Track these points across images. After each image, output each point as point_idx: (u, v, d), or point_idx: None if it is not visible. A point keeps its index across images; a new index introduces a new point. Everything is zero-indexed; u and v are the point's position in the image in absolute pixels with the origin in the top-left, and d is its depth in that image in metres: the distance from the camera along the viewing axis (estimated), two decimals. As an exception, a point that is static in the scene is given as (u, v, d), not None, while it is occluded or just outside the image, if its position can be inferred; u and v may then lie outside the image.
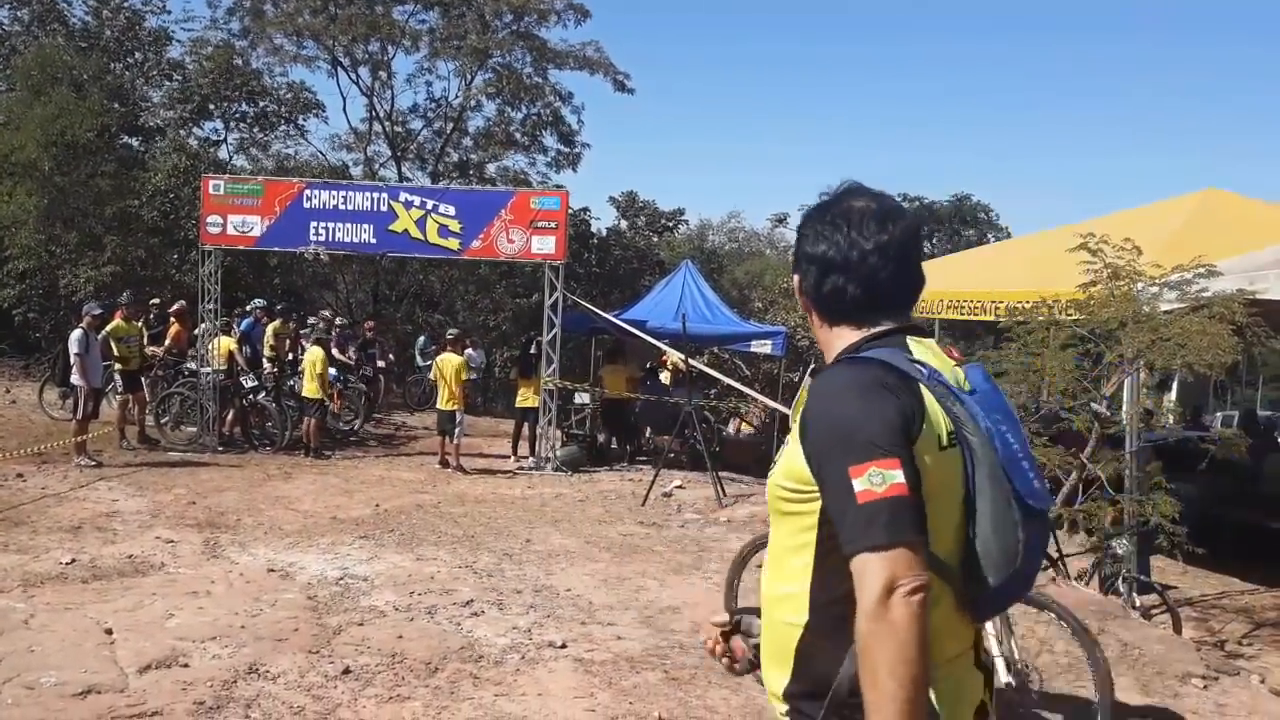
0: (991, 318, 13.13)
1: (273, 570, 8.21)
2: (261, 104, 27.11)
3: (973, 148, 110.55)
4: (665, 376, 17.23)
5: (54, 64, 21.80)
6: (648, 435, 16.65)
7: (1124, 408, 9.64)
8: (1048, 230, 15.57)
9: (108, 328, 14.29)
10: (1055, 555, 9.78)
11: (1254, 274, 9.41)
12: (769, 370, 17.28)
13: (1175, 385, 24.33)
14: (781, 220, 30.57)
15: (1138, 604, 8.88)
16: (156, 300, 17.23)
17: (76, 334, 12.75)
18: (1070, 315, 9.99)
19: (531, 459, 14.68)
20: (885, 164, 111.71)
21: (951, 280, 15.45)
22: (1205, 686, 6.33)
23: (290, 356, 15.20)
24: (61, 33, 24.51)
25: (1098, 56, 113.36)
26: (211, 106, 26.19)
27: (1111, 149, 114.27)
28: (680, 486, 12.73)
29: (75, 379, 12.65)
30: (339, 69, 27.61)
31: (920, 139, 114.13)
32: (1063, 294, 10.17)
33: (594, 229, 31.23)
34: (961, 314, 14.28)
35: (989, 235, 60.51)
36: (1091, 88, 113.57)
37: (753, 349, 15.81)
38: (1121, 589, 9.08)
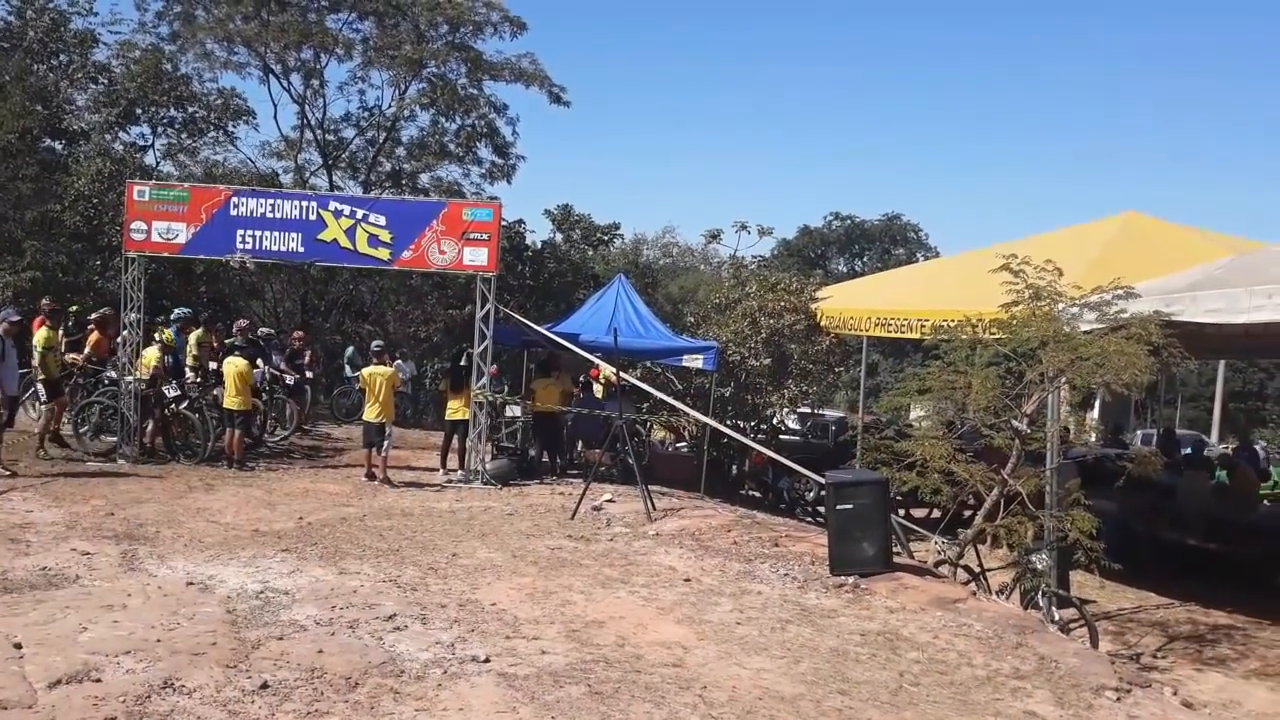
0: (918, 336, 13.37)
1: (192, 583, 8.04)
2: (190, 110, 26.55)
3: (904, 168, 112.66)
4: (597, 390, 17.22)
5: (-26, 64, 21.26)
6: (579, 449, 16.61)
7: (1046, 425, 9.84)
8: (974, 251, 15.87)
9: (38, 340, 13.91)
10: (977, 570, 9.97)
11: (1170, 296, 9.71)
12: (700, 384, 17.32)
13: (1097, 404, 24.93)
14: (715, 236, 30.72)
15: (1057, 618, 9.07)
16: (75, 307, 16.79)
17: (-9, 340, 12.40)
18: (994, 334, 10.20)
19: (460, 472, 14.57)
20: (818, 182, 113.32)
21: (880, 298, 15.71)
22: (1119, 699, 6.48)
23: (214, 366, 14.91)
24: (-18, 33, 23.88)
25: (1030, 83, 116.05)
26: (139, 111, 25.62)
27: (1040, 170, 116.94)
28: (610, 500, 12.71)
29: (-11, 386, 12.30)
30: (271, 76, 27.29)
31: (852, 158, 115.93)
32: (987, 314, 10.38)
33: (529, 241, 31.16)
34: (889, 331, 14.51)
35: (918, 254, 61.58)
36: (1024, 112, 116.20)
37: (685, 363, 15.85)
38: (1041, 603, 9.27)
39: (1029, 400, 9.76)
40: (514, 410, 17.13)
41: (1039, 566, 9.34)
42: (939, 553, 10.32)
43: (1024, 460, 9.79)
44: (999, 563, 10.30)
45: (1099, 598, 11.17)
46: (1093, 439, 16.17)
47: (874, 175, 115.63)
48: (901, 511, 12.73)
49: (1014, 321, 9.81)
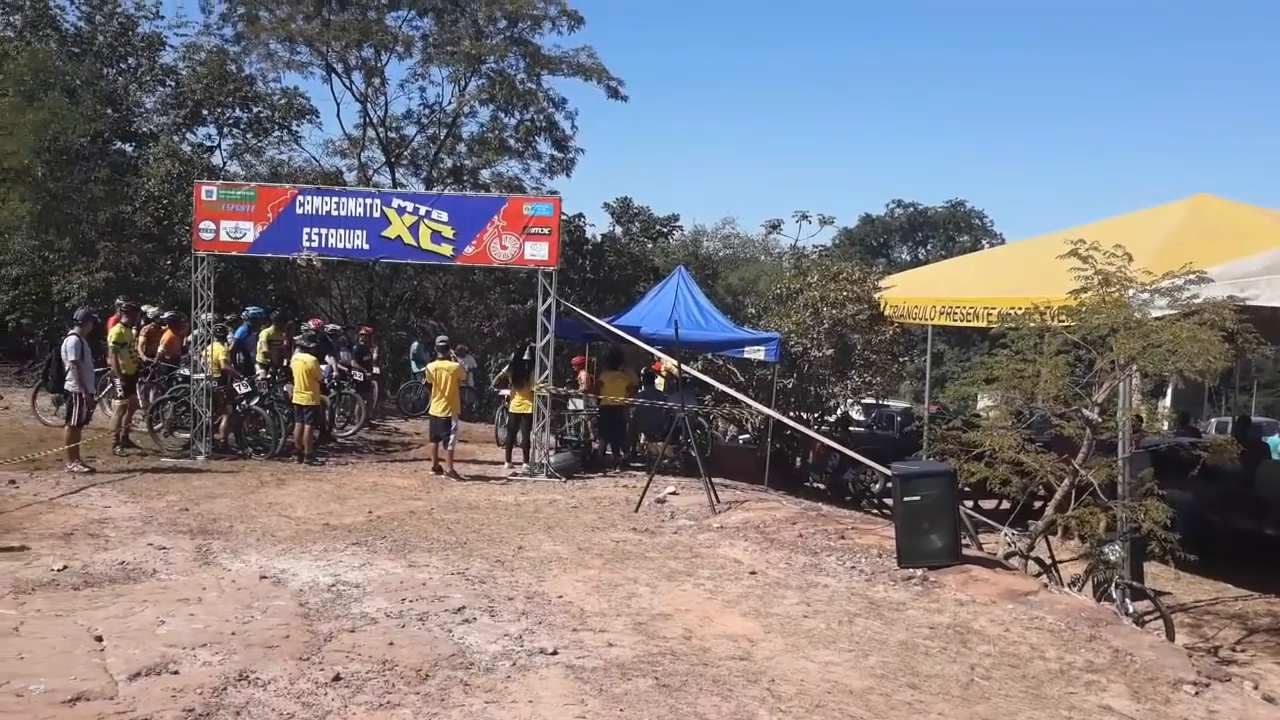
0: (985, 324, 13.18)
1: (265, 577, 8.19)
2: (255, 110, 27.05)
3: (968, 154, 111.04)
4: (659, 383, 17.22)
5: (46, 69, 21.80)
6: (641, 441, 16.63)
7: (1117, 414, 9.65)
8: (1041, 236, 15.60)
9: (112, 336, 14.27)
10: (1048, 561, 9.81)
11: (1244, 280, 9.46)
12: (763, 376, 17.24)
13: (1169, 391, 24.39)
14: (775, 227, 30.42)
15: (1131, 610, 8.90)
16: (149, 307, 17.19)
17: (71, 340, 12.72)
18: (1062, 322, 10.02)
19: (525, 465, 14.66)
20: (880, 170, 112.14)
21: (945, 286, 15.51)
22: (1197, 693, 6.34)
23: (284, 363, 15.16)
24: (54, 38, 24.48)
25: (1093, 63, 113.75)
26: (205, 112, 26.15)
27: (1106, 154, 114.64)
28: (674, 493, 12.72)
29: (70, 385, 12.63)
30: (333, 75, 27.67)
31: (916, 145, 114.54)
32: (1055, 300, 10.21)
33: (588, 235, 31.26)
34: (955, 320, 14.33)
35: (983, 241, 60.70)
36: (1087, 93, 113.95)
37: (746, 355, 15.79)
38: (1114, 595, 9.10)
39: (1099, 388, 9.58)
40: (577, 403, 17.21)
41: (1112, 558, 9.18)
42: (1009, 544, 10.17)
43: (1095, 450, 9.62)
44: (1070, 554, 10.13)
45: (1174, 589, 10.93)
46: (1165, 427, 15.80)
47: (937, 162, 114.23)
48: (969, 503, 12.57)
49: (1083, 308, 9.63)
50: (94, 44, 25.00)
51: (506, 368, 18.14)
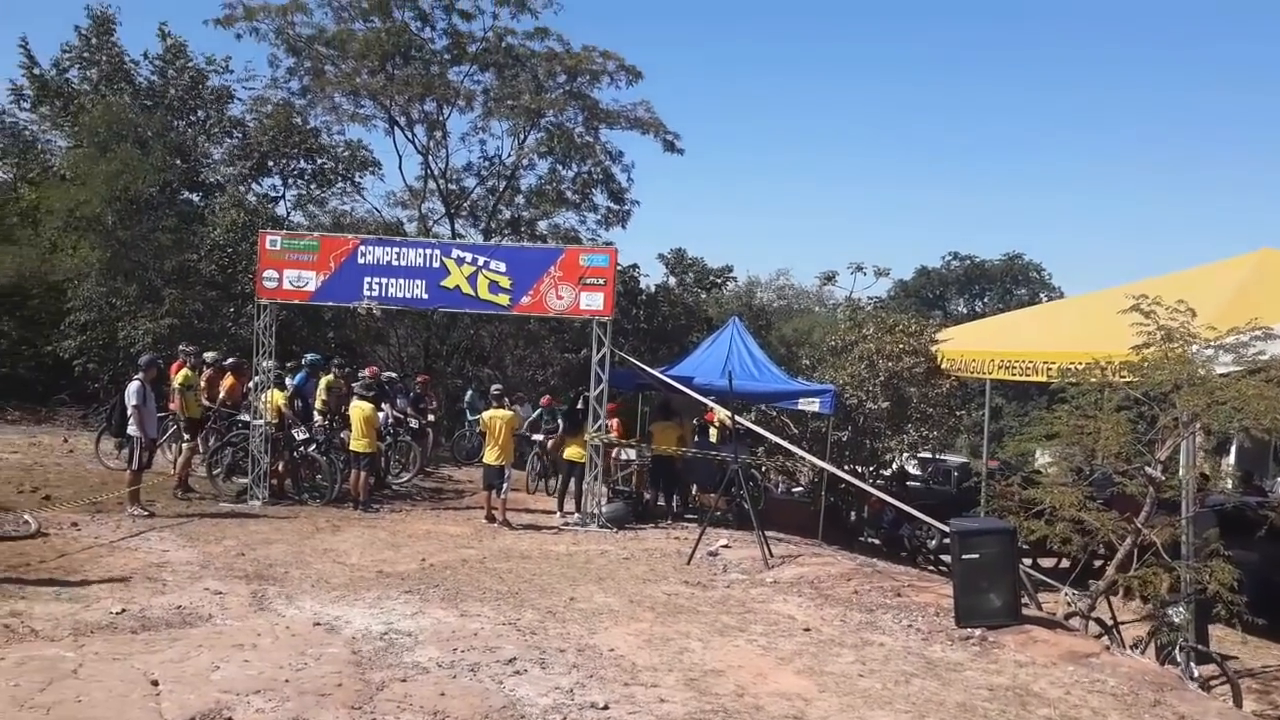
0: (1044, 379, 12.99)
1: (319, 624, 8.24)
2: (319, 161, 27.68)
3: (1026, 206, 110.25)
4: (712, 433, 17.18)
5: (120, 121, 22.53)
6: (694, 493, 16.56)
7: (1180, 472, 9.45)
8: (1101, 291, 15.39)
9: (178, 379, 14.57)
10: (1110, 623, 9.58)
11: (1313, 337, 9.25)
12: (817, 428, 17.14)
13: (1234, 449, 23.82)
14: (830, 279, 30.48)
15: (1196, 675, 8.65)
16: (211, 353, 17.52)
17: (134, 385, 12.98)
18: (1124, 377, 9.86)
19: (577, 515, 14.66)
20: (936, 222, 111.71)
21: (1003, 340, 15.33)
22: (1267, 764, 6.13)
23: (342, 410, 15.35)
24: (128, 91, 25.33)
25: (1154, 115, 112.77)
26: (270, 163, 26.81)
27: (1168, 208, 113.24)
28: (726, 546, 12.63)
29: (132, 430, 12.87)
30: (395, 128, 28.17)
31: (972, 197, 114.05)
32: (1116, 355, 10.05)
33: (642, 285, 31.43)
34: (1013, 374, 14.13)
35: (1041, 295, 60.04)
36: (1147, 146, 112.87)
37: (801, 407, 15.72)
38: (1179, 659, 8.85)
39: (1162, 446, 9.40)
40: (629, 453, 17.22)
41: (1176, 620, 8.95)
42: (1069, 604, 9.95)
43: (1158, 508, 9.41)
44: (1133, 616, 9.89)
45: (1241, 653, 10.60)
46: (1230, 486, 15.43)
47: (994, 214, 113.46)
48: (1029, 561, 12.34)
49: (1145, 364, 9.48)
50: (165, 97, 25.83)
51: (537, 414, 18.31)
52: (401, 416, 17.33)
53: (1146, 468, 9.33)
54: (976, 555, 8.83)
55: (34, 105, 25.85)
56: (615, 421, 16.81)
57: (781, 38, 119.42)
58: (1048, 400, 13.90)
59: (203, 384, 15.36)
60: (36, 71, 25.52)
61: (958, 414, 18.63)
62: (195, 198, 25.95)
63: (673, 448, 15.39)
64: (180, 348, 16.05)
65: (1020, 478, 10.68)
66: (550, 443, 16.79)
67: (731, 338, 16.53)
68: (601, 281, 14.37)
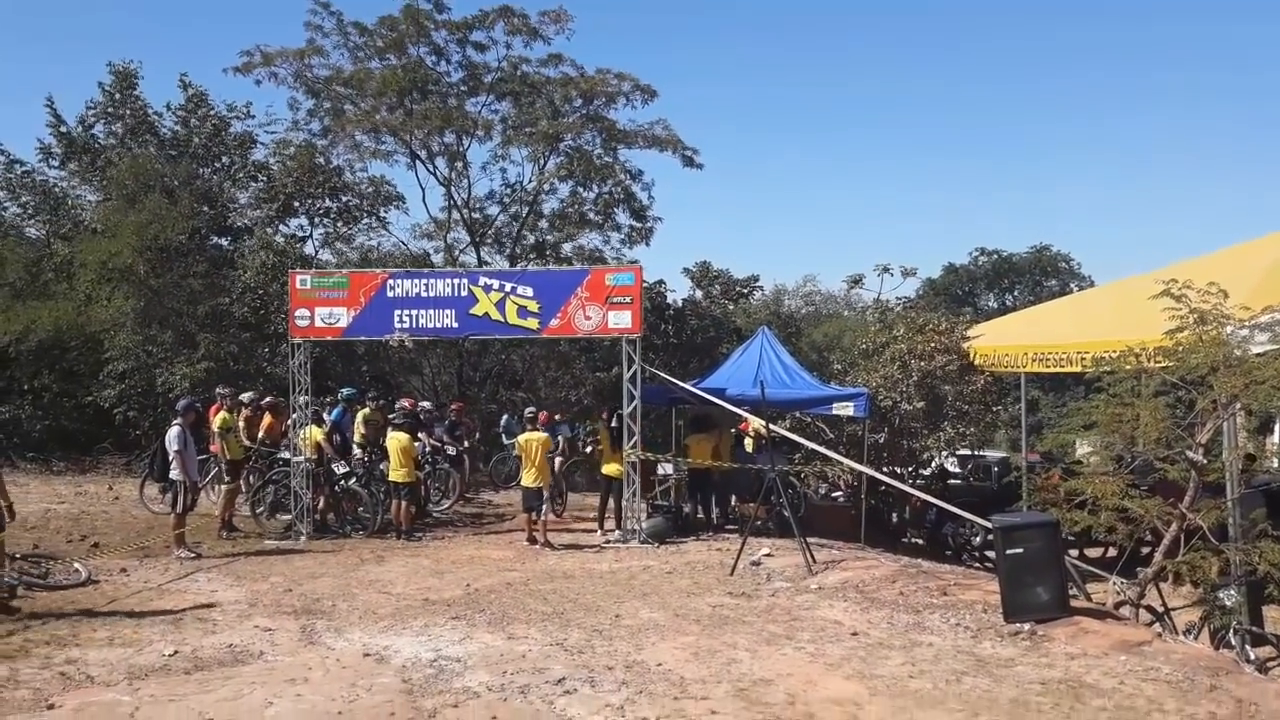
0: (1079, 369, 12.92)
1: (368, 654, 8.31)
2: (344, 199, 27.98)
3: (1050, 197, 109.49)
4: (748, 443, 17.16)
5: (146, 172, 22.95)
6: (733, 503, 16.54)
7: (1223, 454, 9.35)
8: (1131, 277, 15.27)
9: (217, 422, 14.76)
10: (1160, 609, 9.48)
11: (1349, 310, 9.15)
12: (853, 432, 17.08)
13: (1277, 428, 23.49)
14: (857, 281, 30.29)
15: (1252, 658, 8.54)
16: (248, 394, 17.71)
17: (174, 431, 13.15)
18: (1159, 363, 9.80)
19: (617, 532, 14.69)
20: (961, 219, 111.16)
21: (1035, 333, 15.23)
22: (1330, 743, 6.05)
23: (380, 442, 15.48)
24: (153, 142, 25.80)
25: (1174, 96, 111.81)
26: (296, 204, 27.11)
27: (1194, 190, 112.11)
28: (769, 554, 12.61)
29: (174, 474, 13.04)
30: (417, 161, 28.46)
31: (996, 192, 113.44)
32: (1150, 341, 9.99)
33: (669, 300, 31.46)
34: (1047, 366, 14.06)
35: (1071, 285, 59.56)
36: (1168, 129, 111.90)
37: (835, 412, 15.68)
38: (1234, 642, 8.74)
39: (1203, 429, 9.30)
40: (666, 468, 17.23)
41: (1228, 603, 8.83)
42: (1118, 594, 9.85)
43: (1202, 491, 9.32)
44: (1183, 601, 9.78)
45: (1298, 634, 10.46)
46: (1276, 465, 15.21)
47: (1019, 207, 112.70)
48: (1074, 552, 12.23)
49: (1180, 348, 9.40)
50: (190, 146, 26.25)
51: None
52: (439, 445, 17.45)
53: (1188, 452, 9.23)
54: (1021, 549, 8.78)
55: (63, 162, 26.34)
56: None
57: (795, 38, 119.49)
58: (1084, 390, 13.81)
59: (241, 424, 15.54)
60: (64, 129, 26.00)
61: (994, 409, 18.51)
62: (224, 242, 26.31)
63: (708, 460, 15.39)
64: (217, 390, 16.25)
65: (1061, 469, 10.60)
66: (557, 462, 16.30)
67: (761, 347, 16.54)
68: (628, 300, 14.44)
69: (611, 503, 15.11)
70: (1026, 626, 8.59)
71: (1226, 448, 9.36)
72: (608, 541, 14.50)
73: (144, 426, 21.53)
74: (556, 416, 20.29)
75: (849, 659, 8.00)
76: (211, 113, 26.64)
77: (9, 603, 9.92)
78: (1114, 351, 10.64)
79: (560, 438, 18.39)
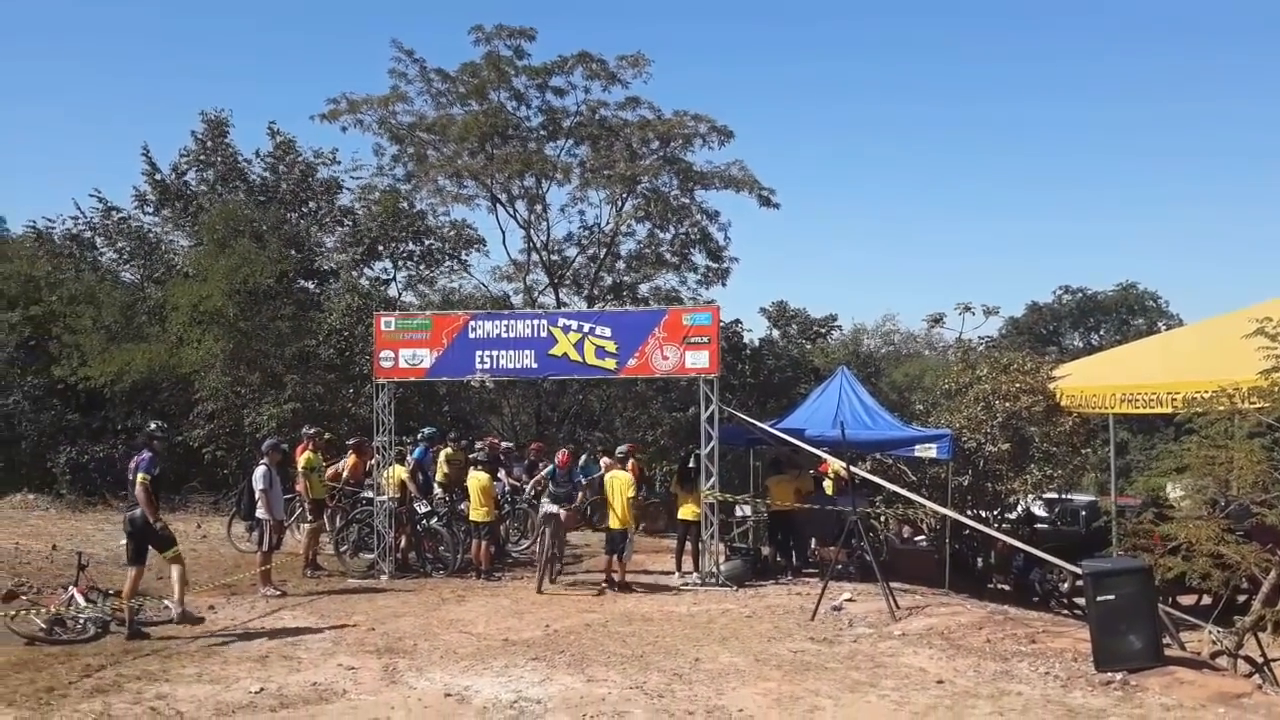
0: (1169, 410, 12.58)
1: (449, 695, 8.36)
2: (427, 242, 28.58)
3: (1137, 234, 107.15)
4: (827, 485, 16.99)
5: (236, 218, 23.66)
6: (813, 547, 16.38)
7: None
8: (1222, 316, 14.87)
9: (301, 462, 15.07)
10: (1260, 660, 9.16)
11: None
12: (935, 474, 16.81)
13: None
14: (938, 321, 30.01)
15: (1362, 712, 8.18)
16: (329, 436, 18.00)
17: (260, 470, 13.45)
18: (1253, 403, 9.53)
19: (696, 574, 14.61)
20: (1044, 256, 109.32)
21: (1123, 373, 14.89)
22: None
23: (462, 481, 15.64)
24: (243, 189, 26.60)
25: (1266, 127, 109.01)
26: (380, 248, 27.72)
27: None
28: (850, 599, 12.44)
29: (261, 513, 13.31)
30: (497, 205, 28.96)
31: (1080, 226, 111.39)
32: (1243, 382, 9.73)
33: (746, 340, 31.42)
34: (1136, 407, 13.70)
35: (1160, 324, 58.09)
36: (1258, 161, 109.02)
37: (917, 453, 15.45)
38: (1340, 696, 8.39)
39: (1303, 471, 9.02)
40: (744, 510, 17.10)
41: (1333, 655, 8.51)
42: (1214, 643, 9.54)
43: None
44: (1286, 652, 9.43)
45: None
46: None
47: (1104, 242, 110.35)
48: (1168, 599, 11.87)
49: (1276, 388, 9.13)
50: (278, 191, 27.02)
51: (547, 471, 17.18)
52: (518, 484, 17.57)
53: (1287, 495, 8.95)
54: (1112, 596, 8.55)
55: (157, 209, 27.24)
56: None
57: (870, 70, 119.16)
58: (1174, 432, 13.46)
59: (325, 464, 15.81)
60: (158, 177, 26.91)
61: (1082, 451, 18.09)
62: (311, 285, 26.93)
63: (791, 501, 15.25)
64: (303, 430, 16.58)
65: (1152, 513, 10.33)
66: (564, 514, 14.26)
67: (841, 387, 16.41)
68: (705, 340, 14.46)
69: (689, 544, 15.05)
70: (1119, 676, 8.35)
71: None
72: (686, 584, 14.43)
73: (231, 466, 22.00)
74: (581, 459, 19.03)
75: (935, 708, 7.85)
76: (299, 159, 27.40)
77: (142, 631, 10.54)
78: (1205, 392, 10.37)
79: (580, 478, 17.50)
